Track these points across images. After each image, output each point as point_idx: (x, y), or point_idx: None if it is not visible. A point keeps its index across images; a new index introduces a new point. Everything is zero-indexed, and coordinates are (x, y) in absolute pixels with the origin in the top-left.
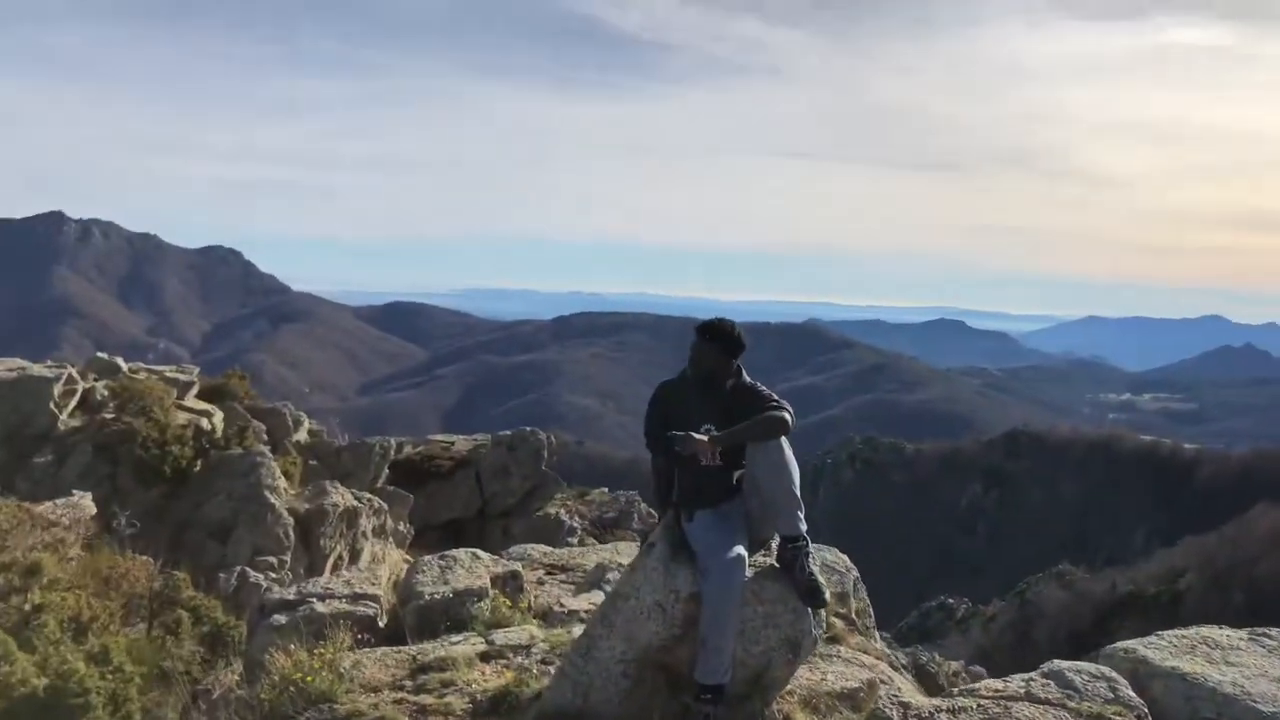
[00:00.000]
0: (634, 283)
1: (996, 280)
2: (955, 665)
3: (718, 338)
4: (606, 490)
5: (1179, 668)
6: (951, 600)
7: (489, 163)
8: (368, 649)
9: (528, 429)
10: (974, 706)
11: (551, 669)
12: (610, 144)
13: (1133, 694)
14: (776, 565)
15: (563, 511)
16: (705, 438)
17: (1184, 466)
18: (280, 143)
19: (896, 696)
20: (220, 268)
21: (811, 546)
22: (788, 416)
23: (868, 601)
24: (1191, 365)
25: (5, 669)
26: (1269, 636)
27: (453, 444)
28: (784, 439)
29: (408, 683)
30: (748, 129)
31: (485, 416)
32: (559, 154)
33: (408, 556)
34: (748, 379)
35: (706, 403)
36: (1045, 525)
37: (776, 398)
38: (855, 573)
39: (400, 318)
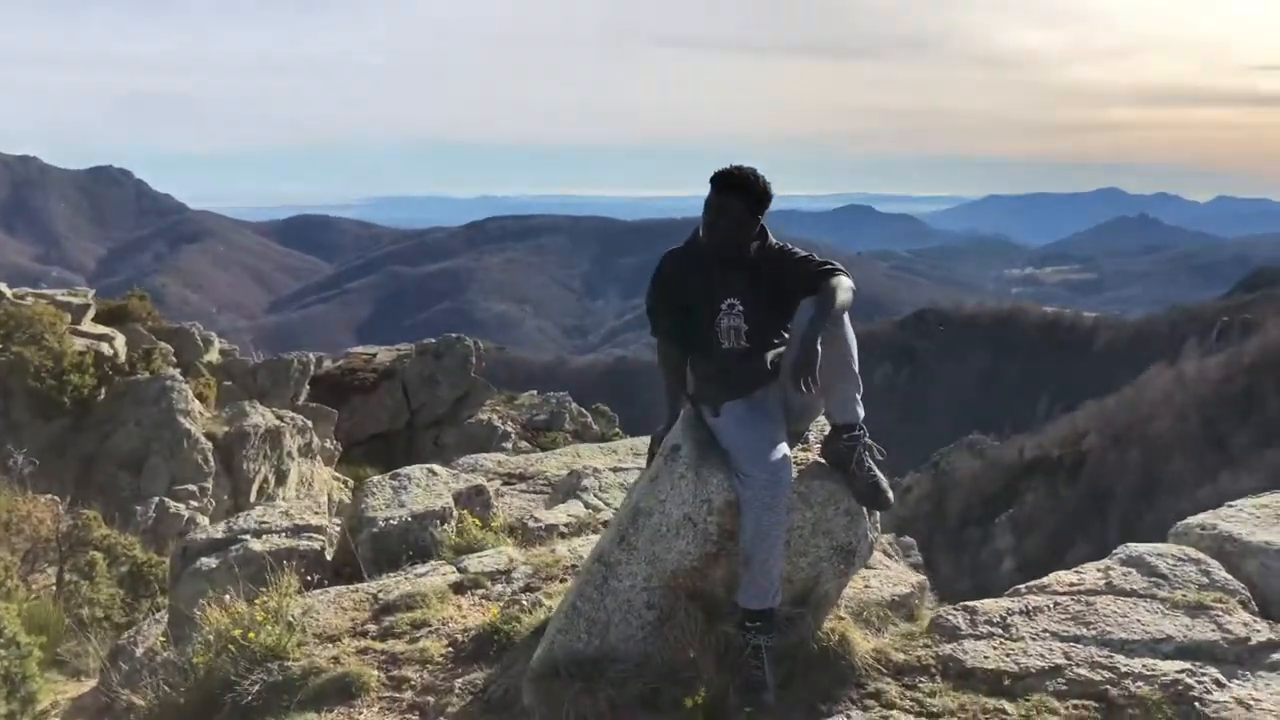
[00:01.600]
0: (547, 184)
1: (901, 163)
2: (886, 538)
3: (740, 187)
4: (535, 393)
5: (1272, 542)
6: None
7: (381, 63)
8: (319, 590)
9: (454, 336)
10: (1051, 605)
11: (540, 597)
12: (507, 36)
13: (1228, 575)
14: (822, 461)
15: (494, 417)
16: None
17: (1084, 334)
18: (162, 49)
19: (954, 602)
20: (111, 189)
21: (869, 437)
22: (850, 281)
23: None
24: (1089, 237)
25: None
26: None
27: (374, 356)
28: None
29: (371, 627)
30: (646, 16)
31: (400, 328)
32: (454, 50)
33: (338, 474)
34: (775, 241)
35: (729, 274)
36: (956, 399)
37: (819, 258)
38: None
39: (303, 231)
